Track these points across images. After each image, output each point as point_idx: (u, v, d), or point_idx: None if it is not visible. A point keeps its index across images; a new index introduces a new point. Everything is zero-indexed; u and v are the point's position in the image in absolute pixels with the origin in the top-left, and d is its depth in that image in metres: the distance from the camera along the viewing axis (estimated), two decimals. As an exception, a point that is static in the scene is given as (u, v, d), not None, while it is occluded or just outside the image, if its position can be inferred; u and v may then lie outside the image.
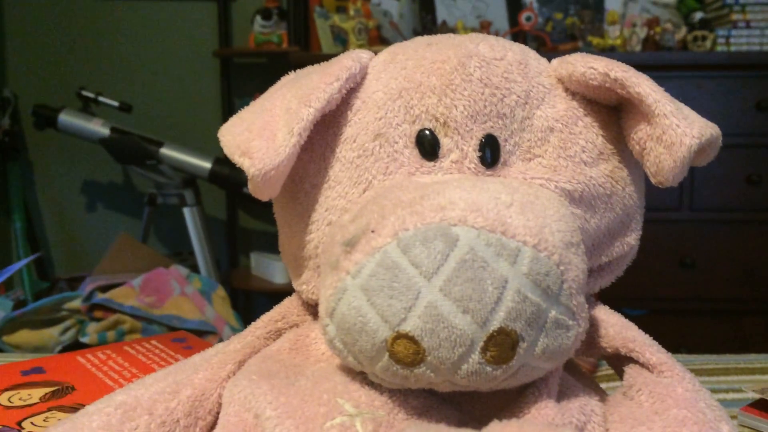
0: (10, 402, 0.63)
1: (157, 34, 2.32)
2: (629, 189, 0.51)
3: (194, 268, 1.99)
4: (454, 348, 0.39)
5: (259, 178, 0.45)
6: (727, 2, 1.89)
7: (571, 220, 0.45)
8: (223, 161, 2.00)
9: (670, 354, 0.49)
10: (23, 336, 1.44)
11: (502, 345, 0.39)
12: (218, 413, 0.48)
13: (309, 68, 0.52)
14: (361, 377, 0.45)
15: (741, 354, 0.86)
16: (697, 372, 0.74)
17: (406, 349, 0.39)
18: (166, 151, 1.99)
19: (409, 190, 0.43)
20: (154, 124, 2.27)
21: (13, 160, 2.28)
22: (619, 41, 1.94)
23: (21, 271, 2.04)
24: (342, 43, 2.02)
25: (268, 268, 2.16)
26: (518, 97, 0.49)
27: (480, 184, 0.43)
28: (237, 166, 0.47)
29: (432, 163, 0.48)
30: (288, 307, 0.56)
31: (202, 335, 1.54)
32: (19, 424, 0.58)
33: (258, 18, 2.15)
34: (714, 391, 0.72)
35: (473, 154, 0.47)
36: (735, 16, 1.87)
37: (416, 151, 0.48)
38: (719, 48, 1.88)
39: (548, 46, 2.03)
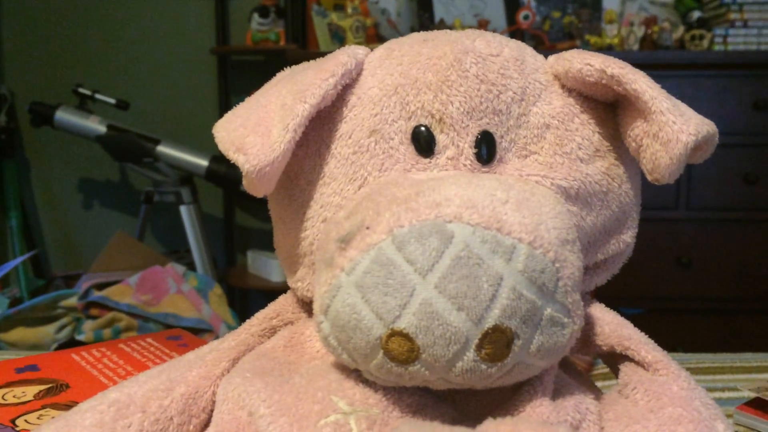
0: (4, 399, 0.62)
1: (155, 32, 2.32)
2: (625, 186, 0.51)
3: (191, 266, 1.99)
4: (448, 345, 0.39)
5: (253, 175, 0.45)
6: (725, 1, 1.89)
7: (567, 218, 0.44)
8: (220, 159, 2.00)
9: (665, 352, 0.49)
10: (19, 334, 1.44)
11: (497, 342, 0.39)
12: (212, 411, 0.48)
13: (304, 64, 0.52)
14: (356, 375, 0.45)
15: (737, 353, 0.87)
16: (693, 370, 0.74)
17: (401, 347, 0.39)
18: (163, 148, 1.99)
19: (404, 186, 0.43)
20: (151, 121, 2.27)
21: (9, 157, 2.27)
22: (616, 40, 1.94)
23: (17, 268, 2.04)
24: (339, 40, 2.02)
25: (265, 266, 2.15)
26: (514, 93, 0.48)
27: (476, 181, 0.43)
28: (233, 163, 0.47)
29: (428, 160, 0.48)
30: (283, 304, 0.56)
31: (198, 333, 1.53)
32: (12, 421, 0.58)
33: (255, 15, 2.15)
34: (710, 389, 0.72)
35: (469, 151, 0.47)
36: (732, 16, 1.87)
37: (412, 148, 0.48)
38: (716, 47, 1.88)
39: (546, 44, 2.03)
